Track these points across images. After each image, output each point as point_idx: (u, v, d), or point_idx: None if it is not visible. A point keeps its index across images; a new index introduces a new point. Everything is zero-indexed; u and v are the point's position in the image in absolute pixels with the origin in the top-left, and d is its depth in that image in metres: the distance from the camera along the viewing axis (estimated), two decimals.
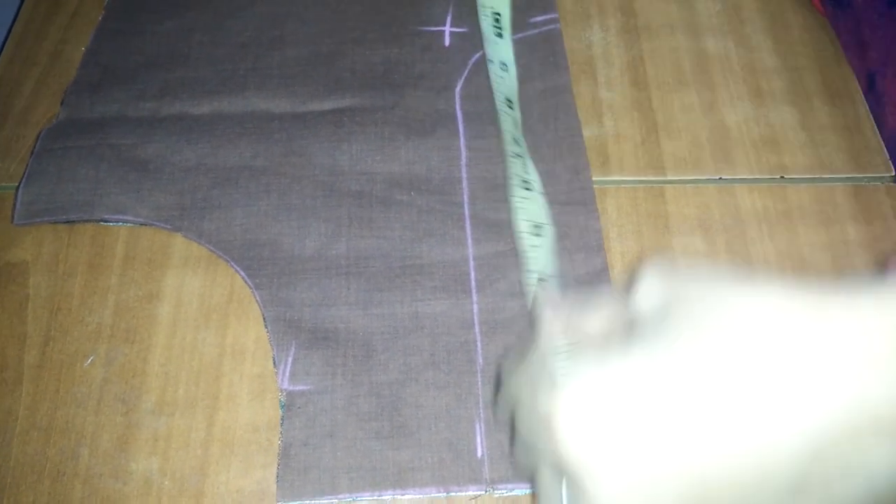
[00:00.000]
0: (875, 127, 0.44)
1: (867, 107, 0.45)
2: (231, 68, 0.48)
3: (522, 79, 0.45)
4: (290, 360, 0.37)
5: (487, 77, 0.45)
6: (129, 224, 0.42)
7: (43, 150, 0.44)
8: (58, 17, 0.51)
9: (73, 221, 0.42)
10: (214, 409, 0.36)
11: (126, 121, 0.45)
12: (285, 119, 0.45)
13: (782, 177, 0.43)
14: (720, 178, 0.43)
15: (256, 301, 0.39)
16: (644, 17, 0.50)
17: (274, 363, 0.37)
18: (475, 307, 0.39)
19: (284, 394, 0.36)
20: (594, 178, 0.42)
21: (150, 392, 0.37)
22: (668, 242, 0.41)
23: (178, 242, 0.41)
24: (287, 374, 0.37)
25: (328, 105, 0.46)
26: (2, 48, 0.50)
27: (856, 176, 0.43)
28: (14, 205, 0.42)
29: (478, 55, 0.47)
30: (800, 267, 0.40)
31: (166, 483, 0.35)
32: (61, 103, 0.46)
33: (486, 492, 0.34)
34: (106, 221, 0.42)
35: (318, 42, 0.49)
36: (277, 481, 0.34)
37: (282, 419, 0.36)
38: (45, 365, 0.38)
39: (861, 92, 0.45)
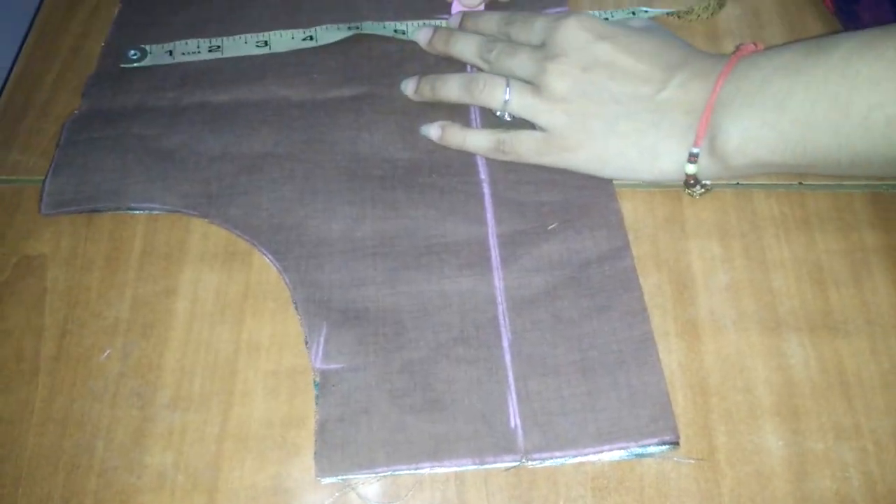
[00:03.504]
0: None
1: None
2: (249, 56, 0.48)
3: None
4: (321, 340, 0.37)
5: None
6: (156, 212, 0.42)
7: (69, 142, 0.44)
8: (79, 12, 0.51)
9: (100, 210, 0.42)
10: (229, 404, 0.37)
11: (148, 111, 0.45)
12: (305, 106, 0.46)
13: (800, 183, 0.43)
14: (737, 183, 0.43)
15: (286, 284, 0.39)
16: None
17: (306, 343, 0.37)
18: (501, 283, 0.39)
19: (318, 373, 0.37)
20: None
21: (166, 387, 0.37)
22: (685, 246, 0.41)
23: (196, 238, 0.41)
24: (320, 353, 0.37)
25: (347, 92, 0.46)
26: (23, 43, 0.50)
27: (874, 183, 0.42)
28: (41, 196, 0.42)
29: None
30: (817, 274, 0.40)
31: (180, 478, 0.35)
32: (82, 95, 0.46)
33: (520, 462, 0.34)
34: (132, 210, 0.42)
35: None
36: (315, 457, 0.35)
37: (316, 397, 0.36)
38: (62, 358, 0.38)
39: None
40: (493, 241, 0.40)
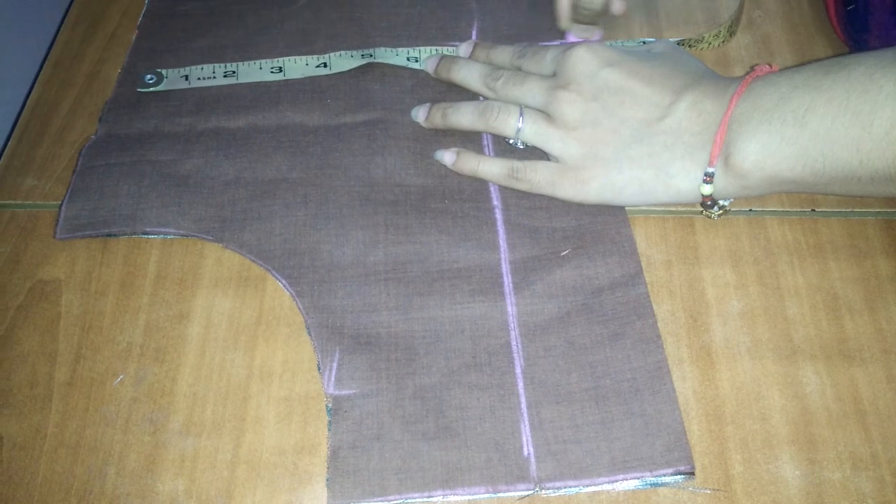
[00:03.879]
0: None
1: None
2: (264, 83, 0.48)
3: None
4: (334, 365, 0.37)
5: None
6: (170, 236, 0.42)
7: (85, 168, 0.44)
8: (96, 38, 0.52)
9: (115, 235, 0.42)
10: (241, 430, 0.36)
11: (164, 136, 0.46)
12: (319, 132, 0.46)
13: (813, 210, 0.43)
14: (750, 210, 0.43)
15: (299, 309, 0.39)
16: None
17: (318, 369, 0.37)
18: (514, 309, 0.39)
19: (331, 398, 0.36)
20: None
21: (178, 412, 0.37)
22: (698, 273, 0.41)
23: (209, 263, 0.42)
24: (332, 379, 0.37)
25: (360, 117, 0.47)
26: (40, 69, 0.51)
27: (888, 210, 0.42)
28: (57, 220, 0.43)
29: None
30: (832, 301, 0.39)
31: None
32: (99, 120, 0.47)
33: (534, 491, 0.34)
34: (147, 234, 0.42)
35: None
36: (327, 483, 0.34)
37: (329, 423, 0.36)
38: (75, 383, 0.38)
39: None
40: (505, 268, 0.40)
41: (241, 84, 0.48)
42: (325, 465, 0.35)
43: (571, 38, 0.50)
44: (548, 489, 0.34)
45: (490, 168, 0.43)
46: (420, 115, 0.46)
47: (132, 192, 0.43)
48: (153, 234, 0.42)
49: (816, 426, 0.36)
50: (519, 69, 0.45)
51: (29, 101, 0.49)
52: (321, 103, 0.47)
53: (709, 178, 0.39)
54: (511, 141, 0.43)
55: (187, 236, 0.42)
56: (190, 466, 0.35)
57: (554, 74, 0.42)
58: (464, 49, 0.49)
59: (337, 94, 0.48)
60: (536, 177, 0.42)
